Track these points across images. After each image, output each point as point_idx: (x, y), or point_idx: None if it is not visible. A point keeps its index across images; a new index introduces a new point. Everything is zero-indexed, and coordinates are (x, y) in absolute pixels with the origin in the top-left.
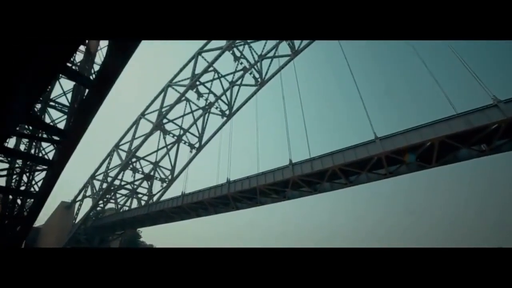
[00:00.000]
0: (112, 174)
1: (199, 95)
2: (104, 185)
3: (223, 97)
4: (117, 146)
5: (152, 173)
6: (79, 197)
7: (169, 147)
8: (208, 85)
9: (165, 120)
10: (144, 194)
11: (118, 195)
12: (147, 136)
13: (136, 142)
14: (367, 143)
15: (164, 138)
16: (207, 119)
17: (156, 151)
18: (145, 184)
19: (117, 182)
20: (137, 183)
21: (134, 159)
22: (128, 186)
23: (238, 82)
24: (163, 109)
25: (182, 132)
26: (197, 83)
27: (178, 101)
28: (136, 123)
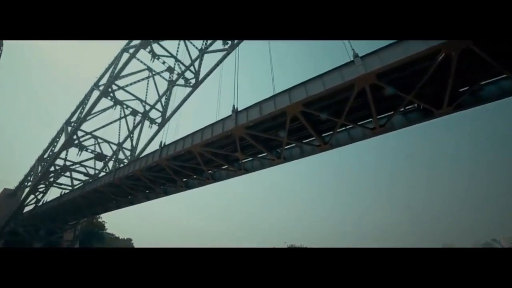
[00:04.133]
0: (62, 155)
1: (153, 55)
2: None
3: (187, 64)
4: (67, 123)
5: (114, 154)
6: (28, 183)
7: (129, 123)
8: (172, 49)
9: (115, 88)
10: None
11: (75, 182)
12: (93, 105)
13: (90, 117)
14: (343, 65)
15: (114, 107)
16: (167, 90)
17: (108, 124)
18: (110, 167)
19: (60, 162)
20: (98, 167)
21: (81, 134)
22: (82, 169)
23: (207, 49)
24: (116, 73)
25: (143, 104)
26: (151, 41)
27: (128, 62)
28: (88, 94)
